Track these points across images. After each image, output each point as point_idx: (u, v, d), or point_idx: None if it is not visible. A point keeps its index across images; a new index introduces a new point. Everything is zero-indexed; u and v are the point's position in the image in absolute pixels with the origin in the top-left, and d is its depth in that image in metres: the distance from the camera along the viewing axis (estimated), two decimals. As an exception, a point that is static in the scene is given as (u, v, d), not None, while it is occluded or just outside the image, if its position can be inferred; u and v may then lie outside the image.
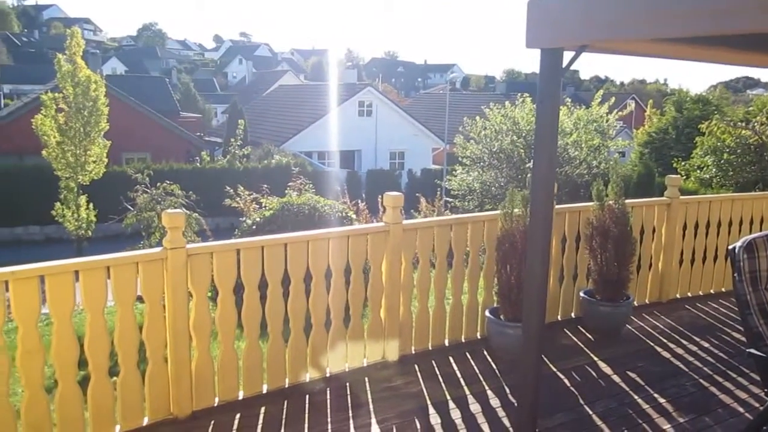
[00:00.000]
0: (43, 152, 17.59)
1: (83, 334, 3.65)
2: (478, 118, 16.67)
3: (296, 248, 4.29)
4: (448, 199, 17.01)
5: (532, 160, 12.49)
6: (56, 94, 17.46)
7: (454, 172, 17.87)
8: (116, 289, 3.69)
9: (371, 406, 4.30)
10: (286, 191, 11.60)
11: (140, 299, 3.86)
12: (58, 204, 17.65)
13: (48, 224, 21.02)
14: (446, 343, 5.29)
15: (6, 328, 3.47)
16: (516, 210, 5.03)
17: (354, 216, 10.50)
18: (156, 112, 31.58)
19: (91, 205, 17.92)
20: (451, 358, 5.07)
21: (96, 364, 3.67)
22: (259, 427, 4.03)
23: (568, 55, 3.23)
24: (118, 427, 3.84)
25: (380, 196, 13.01)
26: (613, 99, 16.98)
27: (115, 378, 3.82)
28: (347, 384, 4.59)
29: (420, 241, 4.95)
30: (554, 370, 4.92)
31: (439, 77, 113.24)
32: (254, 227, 9.79)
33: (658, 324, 5.99)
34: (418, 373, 4.80)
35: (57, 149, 17.42)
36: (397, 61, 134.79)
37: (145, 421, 3.94)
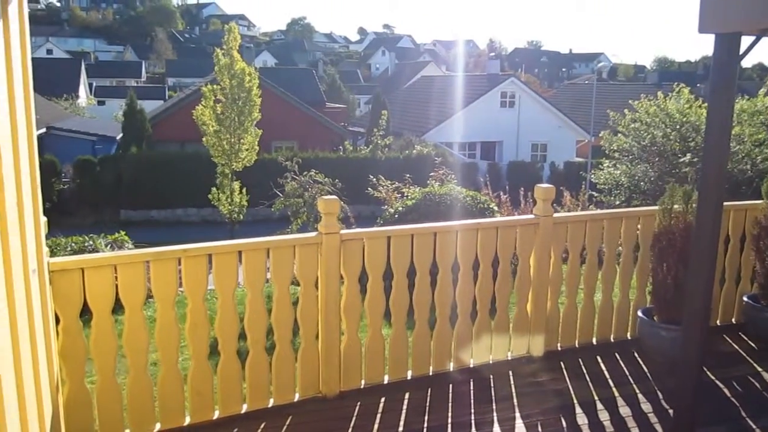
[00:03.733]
0: (203, 140, 18.82)
1: (243, 310, 3.89)
2: (627, 111, 15.89)
3: (445, 237, 4.30)
4: (592, 193, 16.39)
5: (686, 155, 11.72)
6: (215, 86, 18.61)
7: (599, 166, 17.16)
8: (274, 270, 3.88)
9: (515, 401, 4.24)
10: (429, 181, 11.69)
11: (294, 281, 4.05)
12: (214, 189, 18.84)
13: (204, 207, 22.49)
14: (594, 341, 5.11)
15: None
16: (676, 206, 4.75)
17: (496, 208, 10.39)
18: (303, 103, 32.84)
19: (243, 191, 18.97)
20: (598, 357, 4.89)
21: (254, 339, 3.89)
22: (404, 412, 4.09)
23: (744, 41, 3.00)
24: (271, 401, 4.05)
25: (522, 189, 12.82)
26: (781, 89, 15.53)
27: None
28: (491, 376, 4.56)
29: (570, 234, 4.81)
30: (712, 378, 4.61)
31: (585, 67, 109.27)
32: (396, 216, 9.95)
33: (834, 336, 5.45)
34: (564, 371, 4.68)
35: (214, 137, 18.57)
36: (541, 50, 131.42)
37: (296, 397, 4.12)
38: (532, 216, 4.69)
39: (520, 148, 35.30)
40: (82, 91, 52.05)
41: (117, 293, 3.48)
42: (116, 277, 3.47)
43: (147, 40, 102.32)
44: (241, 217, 19.27)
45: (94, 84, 59.99)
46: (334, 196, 4.00)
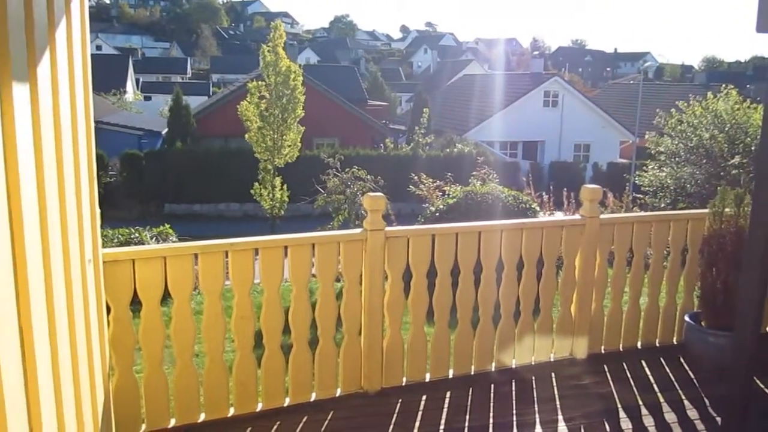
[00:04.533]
0: (246, 136, 19.07)
1: (287, 305, 3.92)
2: (673, 111, 15.61)
3: (490, 236, 4.28)
4: (637, 195, 16.14)
5: (735, 157, 11.43)
6: (259, 83, 18.84)
7: (644, 168, 16.89)
8: (319, 265, 3.91)
9: (558, 403, 4.20)
10: (470, 180, 11.64)
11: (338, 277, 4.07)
12: (256, 184, 19.08)
13: (246, 202, 22.78)
14: (638, 345, 5.02)
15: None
16: (727, 209, 4.64)
17: (538, 208, 10.30)
18: (345, 100, 32.97)
19: (284, 186, 19.16)
20: (643, 362, 4.81)
21: (298, 334, 3.92)
22: (445, 410, 4.08)
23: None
24: (313, 395, 4.08)
25: (565, 189, 12.67)
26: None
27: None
28: (533, 377, 4.52)
29: (617, 236, 4.73)
30: (762, 386, 4.49)
31: (630, 66, 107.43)
32: (437, 214, 9.94)
33: None
34: (608, 374, 4.61)
35: (258, 134, 18.81)
36: (585, 49, 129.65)
37: (338, 392, 4.15)
38: (578, 217, 4.64)
39: (563, 148, 34.90)
40: (130, 86, 53.21)
41: (165, 284, 3.55)
42: (165, 269, 3.54)
43: (192, 37, 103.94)
44: (282, 212, 19.50)
45: (141, 79, 61.23)
46: (380, 194, 4.00)
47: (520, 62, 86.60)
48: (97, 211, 3.01)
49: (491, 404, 4.17)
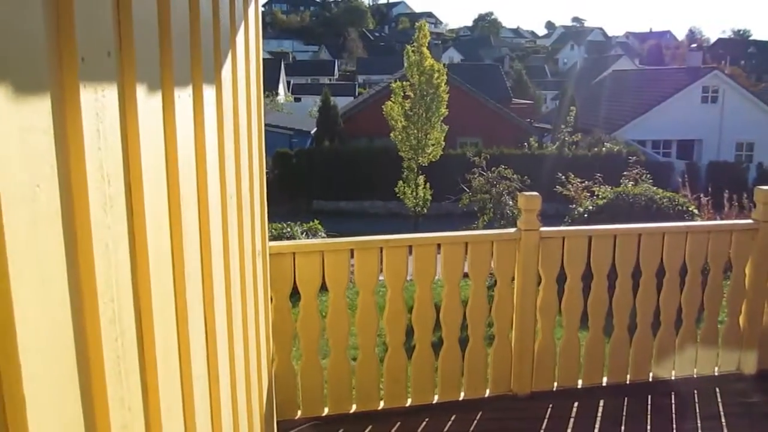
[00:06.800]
0: (391, 135, 19.42)
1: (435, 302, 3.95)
2: None
3: (650, 239, 4.07)
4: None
5: None
6: (404, 83, 19.12)
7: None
8: (472, 264, 3.90)
9: (723, 420, 3.92)
10: (621, 180, 11.17)
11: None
12: (400, 182, 19.38)
13: (390, 200, 23.15)
14: (818, 363, 4.58)
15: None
16: None
17: (696, 211, 9.68)
18: (489, 99, 32.64)
19: (428, 185, 19.31)
20: (823, 382, 4.38)
21: (449, 332, 3.93)
22: (598, 419, 3.94)
23: None
24: (462, 394, 4.07)
25: (726, 191, 11.84)
26: None
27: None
28: (694, 391, 4.24)
29: (796, 243, 4.34)
30: None
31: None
32: (585, 215, 9.61)
33: None
34: (782, 393, 4.25)
35: (402, 133, 19.12)
36: (749, 40, 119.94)
37: (487, 393, 4.11)
38: (750, 221, 4.30)
39: (723, 148, 32.46)
40: (281, 88, 55.79)
41: (322, 278, 3.69)
42: (323, 263, 3.68)
43: (340, 40, 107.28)
44: (425, 210, 19.65)
45: (292, 82, 63.98)
46: (535, 193, 3.92)
47: (675, 56, 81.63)
48: (266, 205, 3.18)
49: (648, 416, 3.97)
